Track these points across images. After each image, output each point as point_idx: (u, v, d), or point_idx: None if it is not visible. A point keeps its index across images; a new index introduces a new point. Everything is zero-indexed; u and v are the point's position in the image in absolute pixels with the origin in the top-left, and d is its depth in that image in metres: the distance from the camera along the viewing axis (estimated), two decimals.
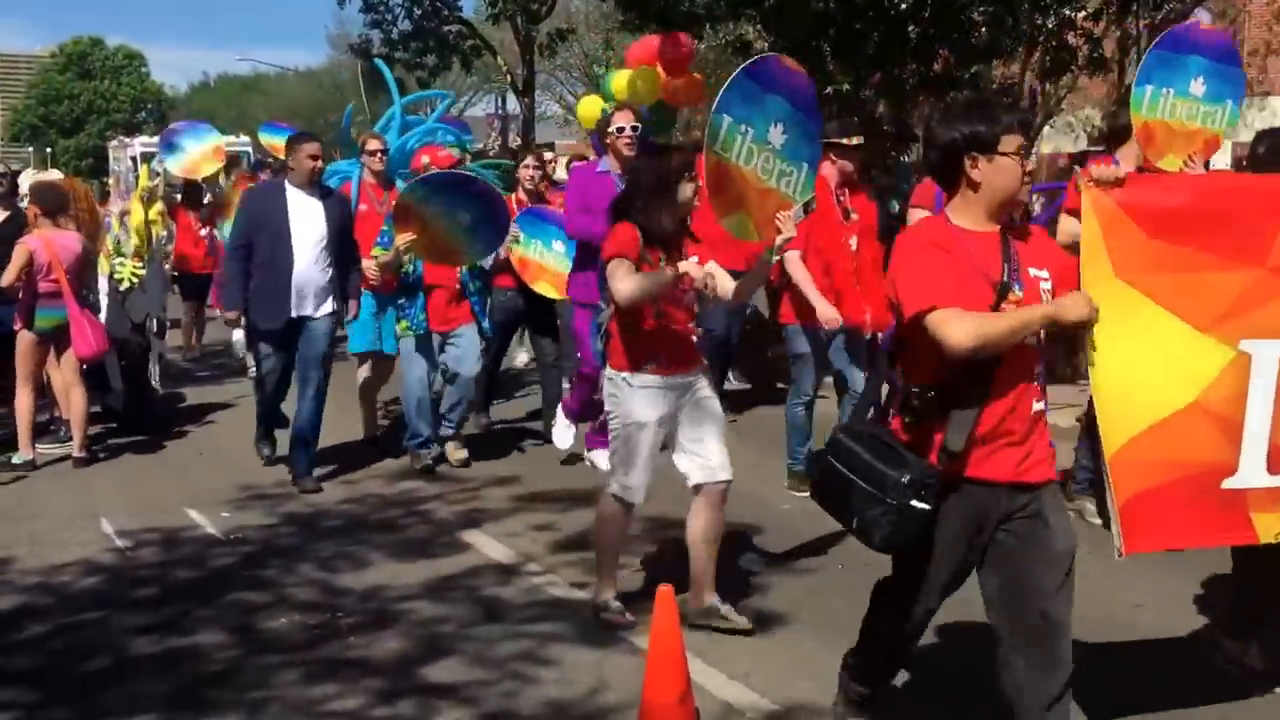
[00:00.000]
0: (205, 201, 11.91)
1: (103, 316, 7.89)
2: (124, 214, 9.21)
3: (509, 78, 23.20)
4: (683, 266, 4.34)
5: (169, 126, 12.72)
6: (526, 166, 8.08)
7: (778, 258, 4.49)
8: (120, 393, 8.17)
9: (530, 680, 4.09)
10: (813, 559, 5.29)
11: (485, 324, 7.28)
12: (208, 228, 11.27)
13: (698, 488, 4.49)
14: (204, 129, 12.26)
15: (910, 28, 11.54)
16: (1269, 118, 19.58)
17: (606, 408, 4.53)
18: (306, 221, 6.58)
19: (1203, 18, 12.93)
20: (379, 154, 7.59)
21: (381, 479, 6.85)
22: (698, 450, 4.48)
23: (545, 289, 7.52)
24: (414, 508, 6.30)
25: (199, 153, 11.58)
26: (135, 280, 8.11)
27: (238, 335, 9.00)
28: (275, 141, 11.83)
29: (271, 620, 4.70)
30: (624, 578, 5.08)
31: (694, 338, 4.53)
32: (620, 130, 6.50)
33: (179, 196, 11.95)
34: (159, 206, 9.40)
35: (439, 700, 3.95)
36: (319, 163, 6.65)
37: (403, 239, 6.56)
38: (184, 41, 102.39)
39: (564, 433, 6.71)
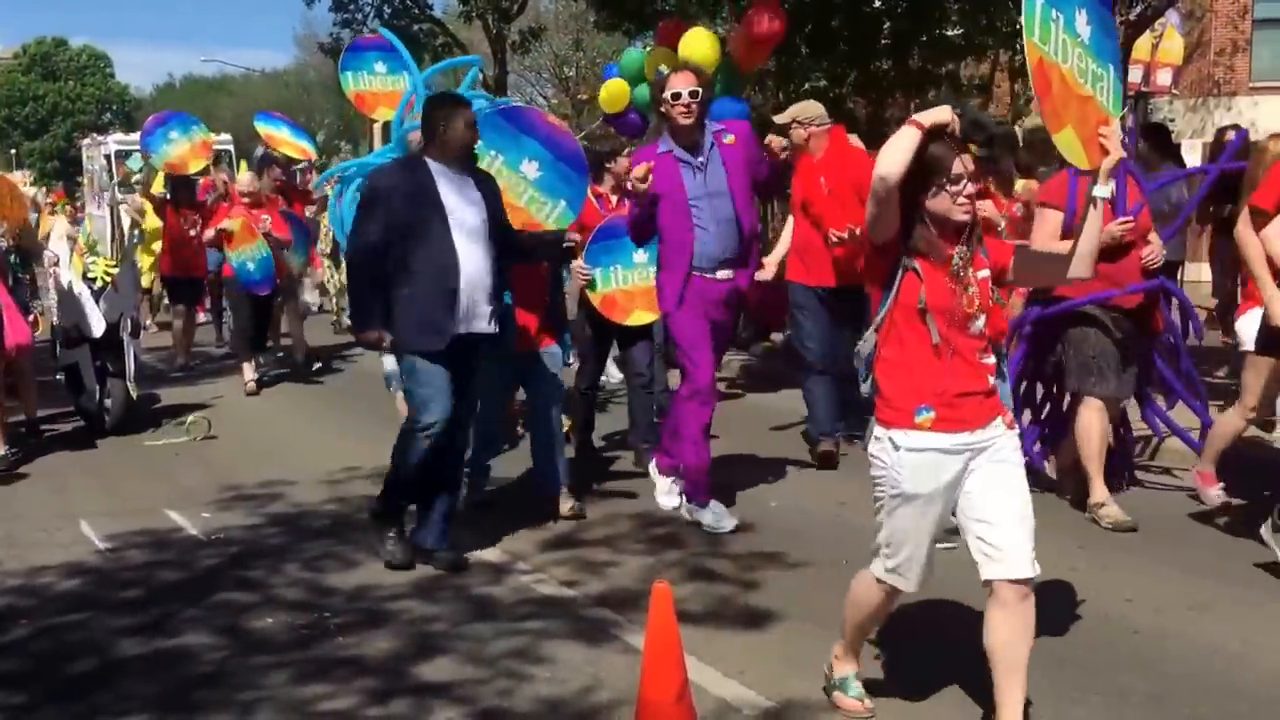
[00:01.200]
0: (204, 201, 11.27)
1: (54, 313, 7.86)
2: (129, 210, 9.11)
3: (480, 76, 23.13)
4: (924, 117, 3.36)
5: (152, 118, 11.63)
6: (629, 154, 6.72)
7: (1103, 194, 3.48)
8: (94, 393, 8.08)
9: (524, 678, 4.07)
10: (804, 555, 5.29)
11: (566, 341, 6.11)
12: (198, 228, 10.75)
13: (988, 583, 3.40)
14: (190, 121, 11.46)
15: (885, 25, 11.61)
16: (1235, 116, 19.85)
17: (872, 471, 3.55)
18: (466, 209, 5.11)
19: (1172, 19, 13.07)
20: None
21: (366, 478, 6.78)
22: (986, 534, 3.39)
23: (642, 317, 6.53)
24: None
25: (187, 147, 10.94)
26: (109, 278, 8.02)
27: (390, 364, 7.33)
28: (273, 132, 11.30)
29: (259, 621, 4.65)
30: (615, 575, 5.09)
31: (989, 379, 3.46)
32: (676, 96, 5.49)
33: (167, 194, 11.43)
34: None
35: (432, 699, 3.91)
36: (476, 133, 5.26)
37: None
38: (149, 42, 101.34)
39: (667, 497, 5.98)
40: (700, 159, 5.57)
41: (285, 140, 11.19)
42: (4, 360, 7.30)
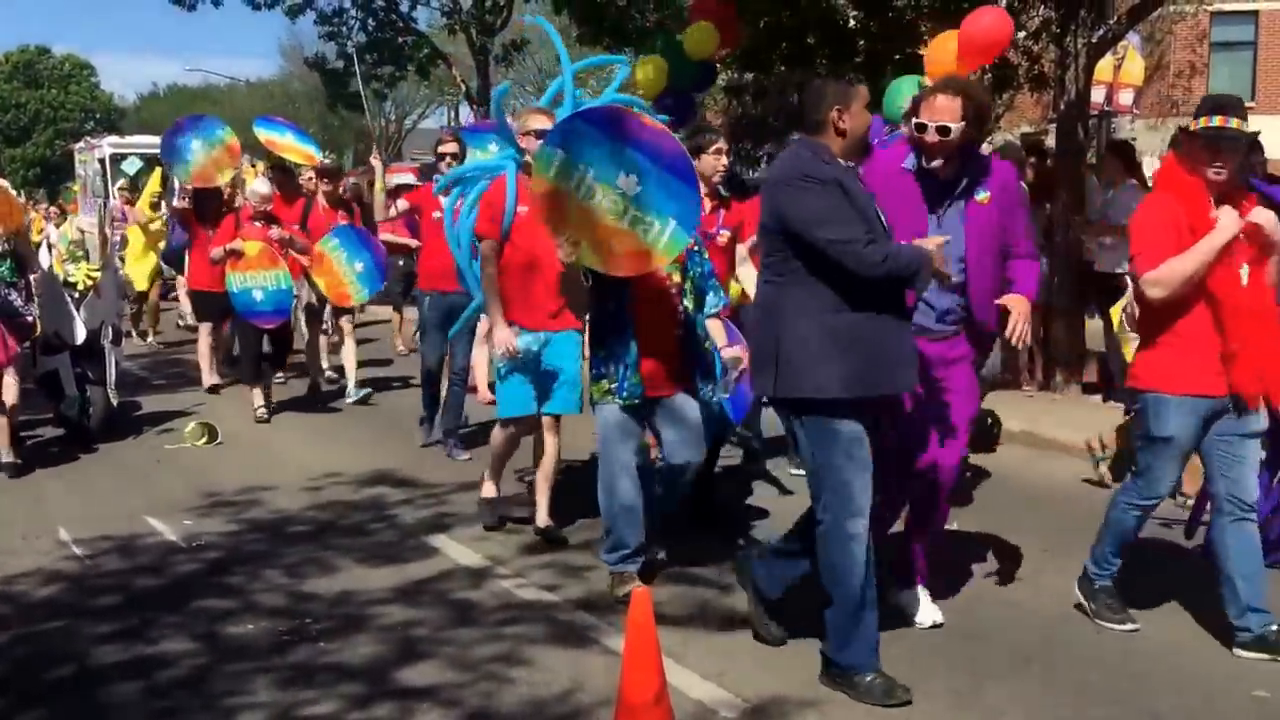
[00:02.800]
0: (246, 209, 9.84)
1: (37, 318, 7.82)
2: (119, 219, 8.93)
3: (463, 87, 23.17)
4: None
5: (170, 128, 10.54)
6: (718, 152, 5.59)
7: None
8: (74, 399, 8.06)
9: (505, 681, 4.10)
10: None
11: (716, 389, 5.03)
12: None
13: None
14: (212, 125, 10.36)
15: (860, 43, 11.81)
16: None
17: None
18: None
19: (1133, 41, 13.36)
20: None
21: (346, 485, 6.81)
22: None
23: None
24: (380, 513, 6.27)
25: (209, 158, 10.05)
26: (90, 282, 8.01)
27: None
28: (275, 138, 10.68)
29: (240, 627, 4.66)
30: (595, 580, 5.11)
31: None
32: (921, 129, 4.29)
33: (189, 202, 10.35)
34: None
35: (414, 704, 3.94)
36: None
37: (563, 240, 4.65)
38: (133, 51, 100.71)
39: (928, 610, 4.59)
40: (945, 199, 4.41)
41: (289, 146, 10.64)
42: None
